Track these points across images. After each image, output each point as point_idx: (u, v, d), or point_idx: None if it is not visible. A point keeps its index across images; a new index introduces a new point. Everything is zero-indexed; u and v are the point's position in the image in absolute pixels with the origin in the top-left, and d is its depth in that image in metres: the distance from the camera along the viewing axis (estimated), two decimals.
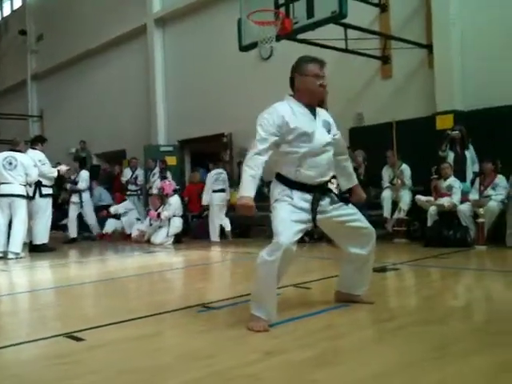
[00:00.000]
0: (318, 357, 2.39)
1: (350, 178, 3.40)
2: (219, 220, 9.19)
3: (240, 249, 7.74)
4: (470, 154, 7.45)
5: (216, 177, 9.24)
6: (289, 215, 2.96)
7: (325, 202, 3.10)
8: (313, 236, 8.22)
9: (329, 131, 3.13)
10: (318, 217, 3.04)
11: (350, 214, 3.21)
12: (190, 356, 2.53)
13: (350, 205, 3.25)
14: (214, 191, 9.16)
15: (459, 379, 2.07)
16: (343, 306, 3.43)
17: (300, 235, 2.98)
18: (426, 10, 8.35)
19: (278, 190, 3.08)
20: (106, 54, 15.09)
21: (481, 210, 6.52)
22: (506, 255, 6.01)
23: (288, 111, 3.07)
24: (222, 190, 9.26)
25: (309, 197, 3.03)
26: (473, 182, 7.18)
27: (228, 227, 9.20)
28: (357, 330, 2.95)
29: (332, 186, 3.19)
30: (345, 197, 3.31)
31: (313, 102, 3.13)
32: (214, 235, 9.08)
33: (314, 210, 3.02)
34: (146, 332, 3.00)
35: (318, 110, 3.17)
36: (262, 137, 3.03)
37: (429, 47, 8.26)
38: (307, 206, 3.02)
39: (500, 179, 6.81)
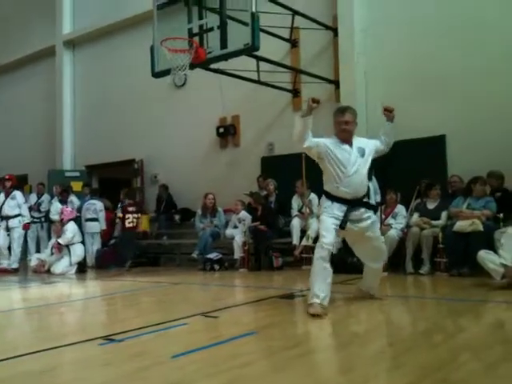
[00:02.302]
0: None
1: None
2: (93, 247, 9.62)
3: (148, 278, 7.51)
4: (372, 184, 7.81)
5: (88, 207, 9.81)
6: (331, 223, 4.11)
7: (357, 213, 4.19)
8: (223, 264, 8.20)
9: (363, 155, 4.21)
10: (348, 224, 4.16)
11: (372, 228, 4.32)
12: None
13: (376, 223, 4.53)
14: (87, 220, 9.66)
15: None
16: (251, 333, 3.41)
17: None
18: (334, 47, 8.82)
19: (324, 205, 4.22)
20: (10, 74, 14.43)
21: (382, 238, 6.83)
22: (404, 281, 6.31)
23: (331, 142, 4.26)
24: (94, 220, 9.74)
25: (344, 208, 4.14)
26: (375, 212, 7.53)
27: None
28: (262, 357, 2.94)
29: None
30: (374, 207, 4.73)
31: (343, 138, 4.24)
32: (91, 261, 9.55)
33: (345, 216, 4.12)
34: (39, 367, 2.78)
35: (355, 140, 4.27)
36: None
37: (336, 83, 8.69)
38: (342, 214, 4.13)
39: (399, 209, 7.22)
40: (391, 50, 8.33)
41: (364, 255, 4.53)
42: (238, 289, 6.60)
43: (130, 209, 9.18)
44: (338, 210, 4.15)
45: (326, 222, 4.13)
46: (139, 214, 9.31)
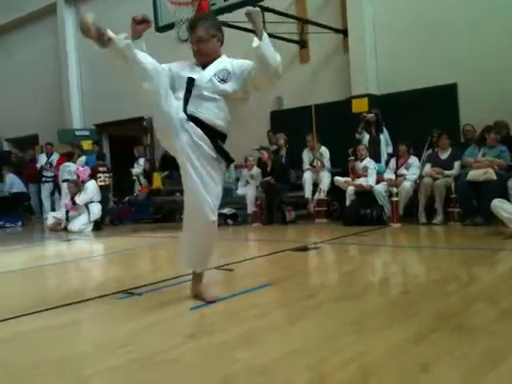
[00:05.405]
0: (240, 337, 2.39)
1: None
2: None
3: (164, 233, 7.60)
4: (383, 136, 7.74)
5: (63, 169, 9.97)
6: None
7: None
8: (236, 219, 8.25)
9: (223, 79, 3.02)
10: None
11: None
12: (109, 344, 2.44)
13: None
14: (64, 181, 9.70)
15: (373, 352, 2.12)
16: (266, 285, 3.46)
17: None
18: None
19: None
20: (13, 34, 14.19)
21: (395, 190, 6.82)
22: (418, 232, 6.32)
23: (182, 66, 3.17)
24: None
25: None
26: (387, 163, 7.47)
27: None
28: (279, 308, 2.99)
29: None
30: None
31: (200, 63, 3.10)
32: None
33: None
34: (61, 322, 2.86)
35: (218, 62, 3.10)
36: None
37: (344, 32, 8.46)
38: None
39: (413, 160, 7.13)
40: None
41: None
42: (252, 243, 6.66)
43: (101, 169, 9.75)
44: None
45: None
46: (110, 174, 9.96)
